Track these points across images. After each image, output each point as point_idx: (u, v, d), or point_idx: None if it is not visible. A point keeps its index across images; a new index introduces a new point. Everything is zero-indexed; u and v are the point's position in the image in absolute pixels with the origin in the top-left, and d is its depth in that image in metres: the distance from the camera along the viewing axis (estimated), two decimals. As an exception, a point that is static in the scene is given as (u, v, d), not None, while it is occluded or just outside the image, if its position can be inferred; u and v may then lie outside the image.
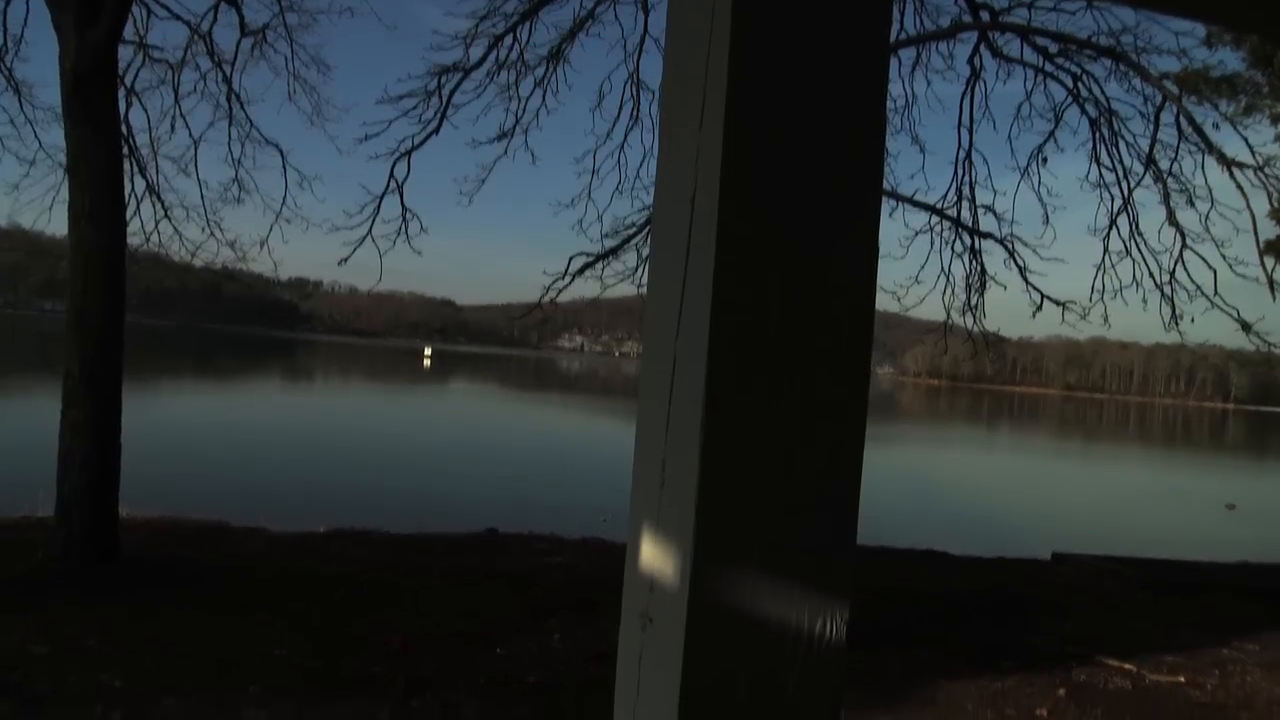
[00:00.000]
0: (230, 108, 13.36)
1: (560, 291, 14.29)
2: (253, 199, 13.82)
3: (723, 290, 1.00)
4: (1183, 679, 8.21)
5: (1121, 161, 13.51)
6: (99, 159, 9.71)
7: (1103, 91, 13.30)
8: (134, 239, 12.39)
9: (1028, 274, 13.88)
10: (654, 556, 1.05)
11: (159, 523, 11.24)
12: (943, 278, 14.26)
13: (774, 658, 1.00)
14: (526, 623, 8.58)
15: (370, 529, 12.02)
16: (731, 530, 0.99)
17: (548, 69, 13.73)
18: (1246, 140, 12.35)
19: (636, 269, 14.02)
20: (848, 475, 1.05)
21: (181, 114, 13.31)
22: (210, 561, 9.90)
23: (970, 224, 14.23)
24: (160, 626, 7.81)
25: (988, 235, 14.21)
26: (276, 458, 23.50)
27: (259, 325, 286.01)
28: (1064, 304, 13.81)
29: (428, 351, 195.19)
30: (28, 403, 27.38)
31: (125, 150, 11.41)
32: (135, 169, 13.04)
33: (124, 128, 11.61)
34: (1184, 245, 13.06)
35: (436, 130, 13.25)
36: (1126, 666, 8.39)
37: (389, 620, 8.43)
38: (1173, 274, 13.20)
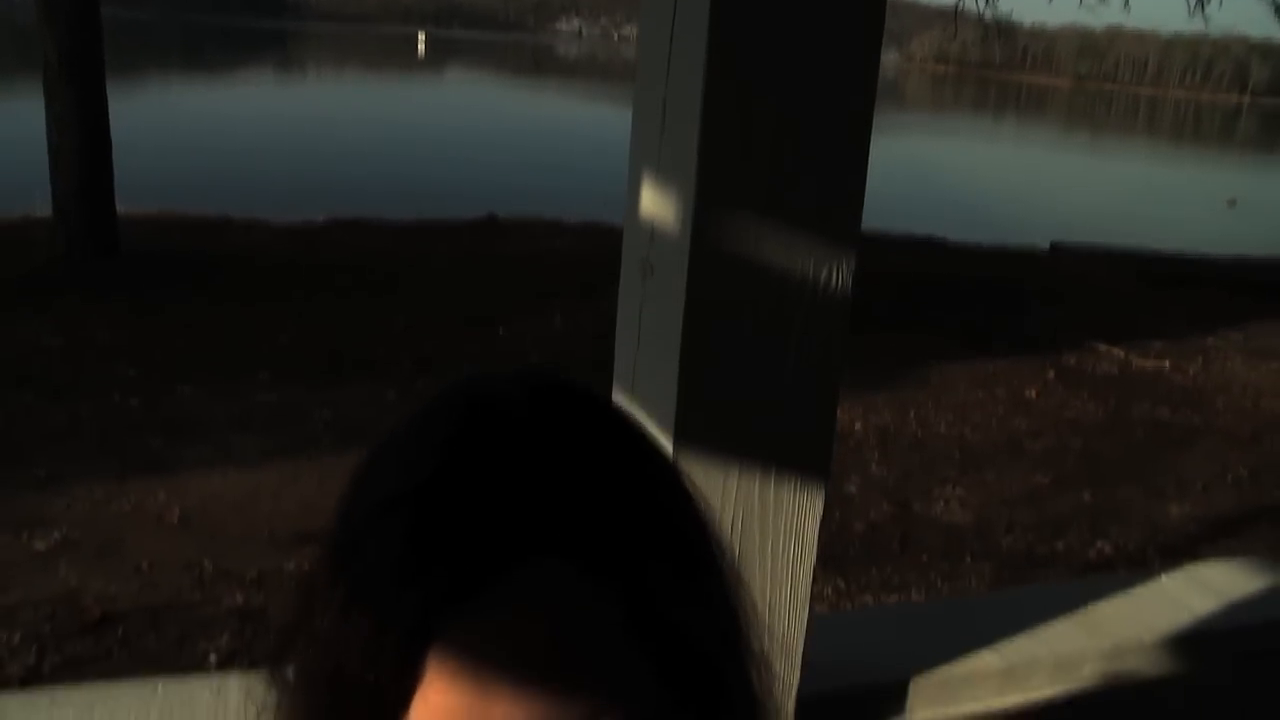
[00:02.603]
0: None
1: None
2: None
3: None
4: (1167, 364, 8.43)
5: None
6: None
7: None
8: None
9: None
10: (654, 203, 1.01)
11: (159, 218, 11.17)
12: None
13: (778, 303, 0.97)
14: (528, 305, 8.71)
15: (369, 218, 11.98)
16: (734, 174, 0.94)
17: None
18: None
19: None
20: (857, 133, 0.98)
21: None
22: (212, 254, 9.92)
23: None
24: (168, 318, 7.93)
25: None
26: (272, 149, 23.12)
27: (244, 15, 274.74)
28: (1084, -16, 13.16)
29: (422, 37, 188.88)
30: (12, 99, 26.65)
31: None
32: None
33: None
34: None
35: None
36: (1115, 352, 8.59)
37: (391, 306, 8.55)
38: (1205, -49, 12.46)
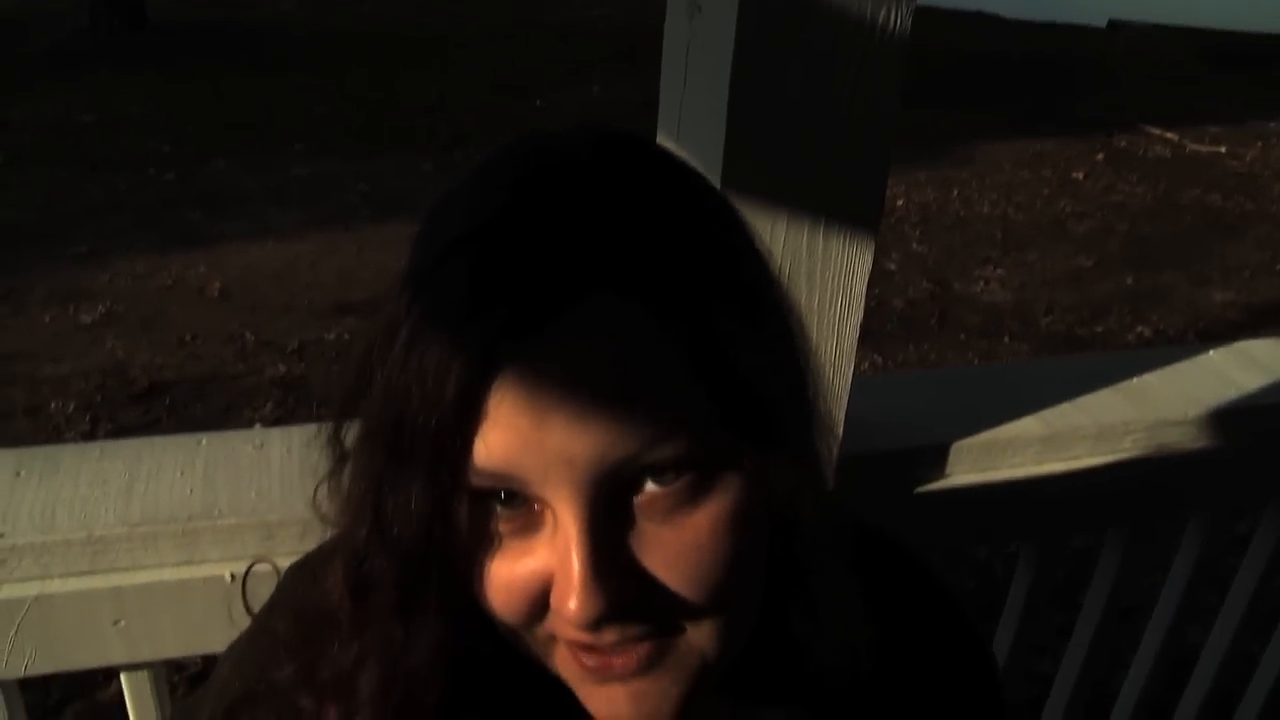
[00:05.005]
0: None
1: None
2: None
3: None
4: (1223, 149, 8.17)
5: None
6: None
7: None
8: None
9: None
10: (703, -66, 0.93)
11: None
12: None
13: (833, 43, 0.91)
14: (566, 75, 8.52)
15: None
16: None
17: None
18: None
19: None
20: None
21: None
22: (242, 24, 9.69)
23: None
24: (199, 91, 7.82)
25: None
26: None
27: None
28: None
29: None
30: None
31: None
32: None
33: None
34: None
35: None
36: (1168, 135, 8.32)
37: (426, 76, 8.38)
38: None
